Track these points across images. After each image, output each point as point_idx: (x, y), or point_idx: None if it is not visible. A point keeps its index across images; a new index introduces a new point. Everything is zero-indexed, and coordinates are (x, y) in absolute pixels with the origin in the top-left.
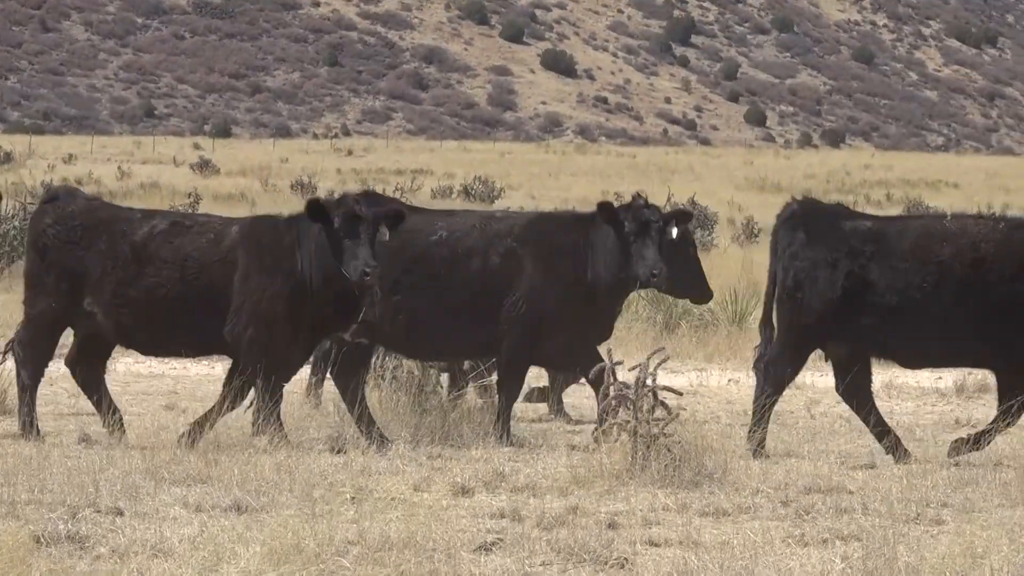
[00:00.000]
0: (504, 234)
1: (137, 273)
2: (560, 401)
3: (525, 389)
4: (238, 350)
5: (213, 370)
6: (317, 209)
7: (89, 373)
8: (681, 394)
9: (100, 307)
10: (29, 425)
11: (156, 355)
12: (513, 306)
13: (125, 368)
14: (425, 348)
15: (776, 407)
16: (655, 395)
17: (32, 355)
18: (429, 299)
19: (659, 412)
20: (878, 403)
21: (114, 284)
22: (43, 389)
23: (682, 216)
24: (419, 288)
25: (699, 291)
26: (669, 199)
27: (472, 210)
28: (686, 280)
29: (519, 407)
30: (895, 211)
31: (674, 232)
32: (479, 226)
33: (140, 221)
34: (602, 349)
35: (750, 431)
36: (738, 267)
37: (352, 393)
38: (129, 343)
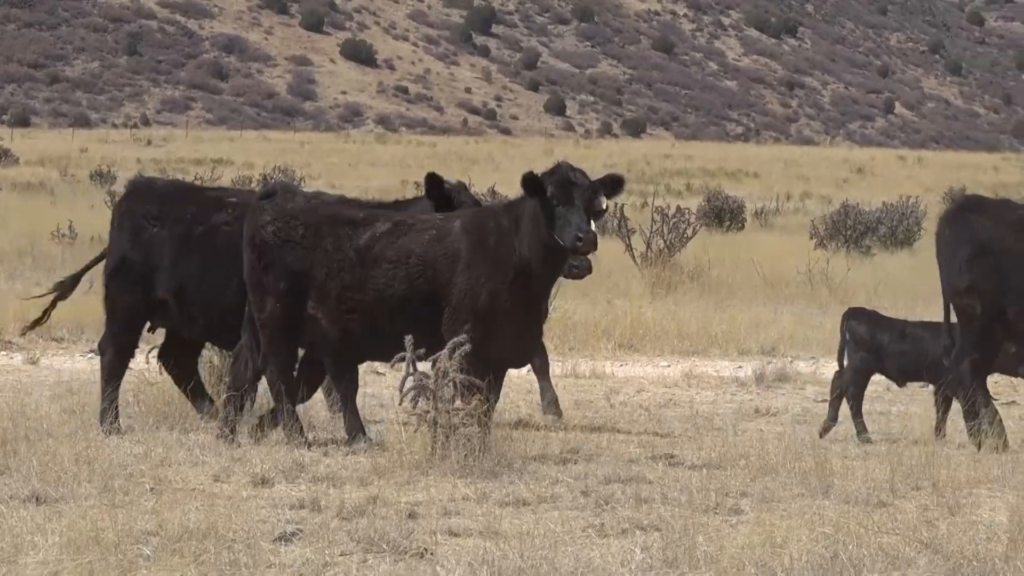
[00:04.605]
0: None
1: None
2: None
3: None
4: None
5: (12, 360)
6: (532, 182)
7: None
8: (480, 386)
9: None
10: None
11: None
12: None
13: None
14: None
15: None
16: (455, 385)
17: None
18: None
19: (459, 402)
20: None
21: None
22: None
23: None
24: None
25: None
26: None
27: None
28: None
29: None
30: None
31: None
32: None
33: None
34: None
35: None
36: None
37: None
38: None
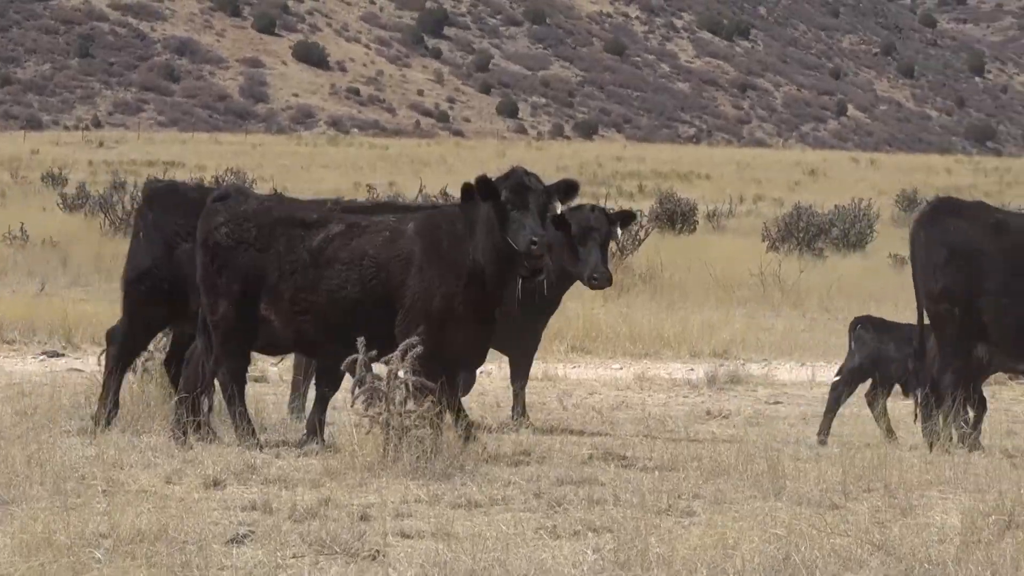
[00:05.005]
0: None
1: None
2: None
3: None
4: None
5: None
6: (486, 186)
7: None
8: (433, 388)
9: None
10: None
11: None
12: None
13: None
14: None
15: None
16: (408, 387)
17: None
18: None
19: (411, 404)
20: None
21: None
22: None
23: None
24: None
25: None
26: (421, 190)
27: None
28: None
29: None
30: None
31: None
32: None
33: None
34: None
35: None
36: None
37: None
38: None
